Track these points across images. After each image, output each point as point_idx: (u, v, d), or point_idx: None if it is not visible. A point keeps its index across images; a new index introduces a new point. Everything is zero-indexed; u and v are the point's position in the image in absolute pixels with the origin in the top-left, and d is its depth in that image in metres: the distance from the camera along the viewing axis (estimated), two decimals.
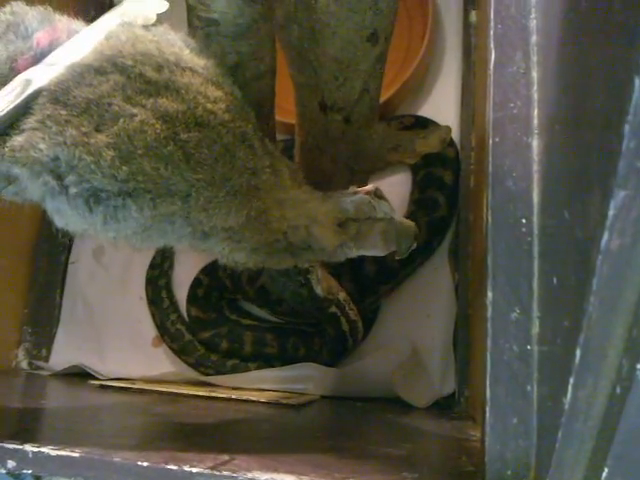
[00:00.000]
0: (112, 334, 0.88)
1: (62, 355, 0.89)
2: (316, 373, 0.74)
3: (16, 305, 0.90)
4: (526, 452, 0.30)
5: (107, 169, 0.36)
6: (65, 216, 0.39)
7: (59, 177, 0.37)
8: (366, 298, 0.77)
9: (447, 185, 0.79)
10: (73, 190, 0.37)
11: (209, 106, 0.39)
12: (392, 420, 0.63)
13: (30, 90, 0.37)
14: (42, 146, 0.36)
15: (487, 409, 0.31)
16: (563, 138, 0.29)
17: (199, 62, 0.41)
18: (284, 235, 0.45)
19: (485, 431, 0.31)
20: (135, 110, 0.37)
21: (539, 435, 0.30)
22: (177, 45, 0.41)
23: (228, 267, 0.81)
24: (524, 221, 0.31)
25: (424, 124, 0.82)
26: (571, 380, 0.24)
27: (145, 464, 0.33)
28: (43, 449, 0.35)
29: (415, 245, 0.58)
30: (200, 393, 0.70)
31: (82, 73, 0.37)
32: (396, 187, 0.84)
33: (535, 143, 0.32)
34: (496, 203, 0.32)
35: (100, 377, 0.82)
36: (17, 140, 0.36)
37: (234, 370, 0.78)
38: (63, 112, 0.36)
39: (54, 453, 0.34)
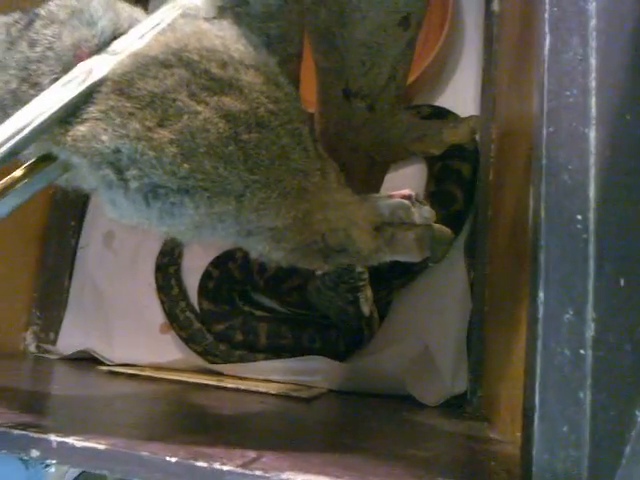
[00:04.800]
0: (120, 319, 0.87)
1: (70, 339, 0.88)
2: (325, 366, 0.73)
3: (25, 288, 0.90)
4: (577, 463, 0.28)
5: (168, 166, 0.36)
6: (120, 208, 0.38)
7: (119, 170, 0.36)
8: (378, 292, 0.75)
9: (465, 178, 0.77)
10: (133, 184, 0.36)
11: (271, 107, 0.39)
12: (407, 418, 0.62)
13: (93, 79, 0.36)
14: (104, 137, 0.35)
15: (535, 415, 0.29)
16: (636, 128, 0.27)
17: (262, 60, 0.40)
18: (322, 237, 0.45)
19: (532, 439, 0.29)
20: (199, 107, 0.36)
21: (593, 446, 0.28)
22: (241, 41, 0.40)
23: (238, 258, 0.81)
24: (579, 217, 0.30)
25: (442, 115, 0.80)
26: None
27: (174, 460, 0.32)
28: (67, 439, 0.34)
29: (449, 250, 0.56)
30: (209, 382, 0.69)
31: (147, 65, 0.36)
32: (410, 179, 0.83)
33: (592, 134, 0.31)
34: (550, 198, 0.30)
35: (108, 362, 0.81)
36: (80, 130, 0.35)
37: (242, 360, 0.77)
38: (127, 104, 0.35)
39: (79, 444, 0.33)
